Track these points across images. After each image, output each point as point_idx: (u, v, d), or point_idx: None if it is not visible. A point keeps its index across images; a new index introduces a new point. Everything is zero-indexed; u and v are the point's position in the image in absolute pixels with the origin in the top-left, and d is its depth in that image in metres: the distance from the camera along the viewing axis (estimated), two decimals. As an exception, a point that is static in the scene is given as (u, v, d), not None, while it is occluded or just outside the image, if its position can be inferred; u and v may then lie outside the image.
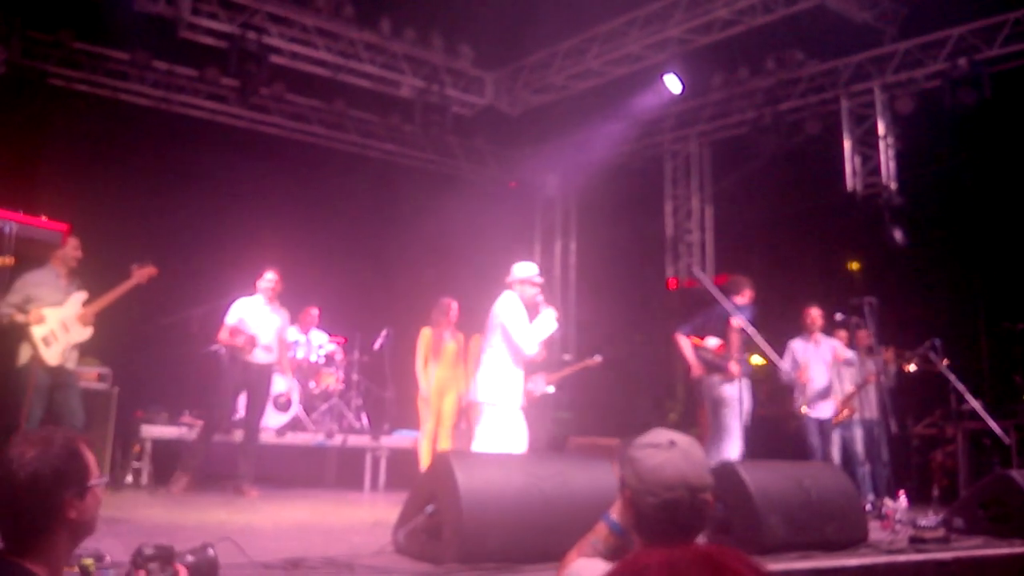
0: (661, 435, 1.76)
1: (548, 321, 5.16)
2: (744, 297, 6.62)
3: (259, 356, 6.48)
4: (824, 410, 6.96)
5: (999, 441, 6.79)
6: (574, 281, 11.42)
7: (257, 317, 6.55)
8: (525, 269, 5.31)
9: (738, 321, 6.05)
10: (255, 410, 6.62)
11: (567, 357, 10.24)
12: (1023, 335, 7.19)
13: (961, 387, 6.46)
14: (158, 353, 7.10)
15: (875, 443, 6.94)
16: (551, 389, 8.40)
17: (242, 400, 6.82)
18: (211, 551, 2.30)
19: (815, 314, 7.04)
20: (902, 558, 4.10)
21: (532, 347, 5.11)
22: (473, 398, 5.22)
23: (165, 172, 8.68)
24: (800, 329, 7.13)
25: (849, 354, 7.10)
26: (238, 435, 6.62)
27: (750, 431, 6.80)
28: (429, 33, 9.30)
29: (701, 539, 1.80)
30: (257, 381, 6.55)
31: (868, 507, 5.73)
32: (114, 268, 6.16)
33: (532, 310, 5.19)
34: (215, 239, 7.34)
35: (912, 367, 7.46)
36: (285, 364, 6.97)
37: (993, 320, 7.97)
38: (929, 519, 5.02)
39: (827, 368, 7.01)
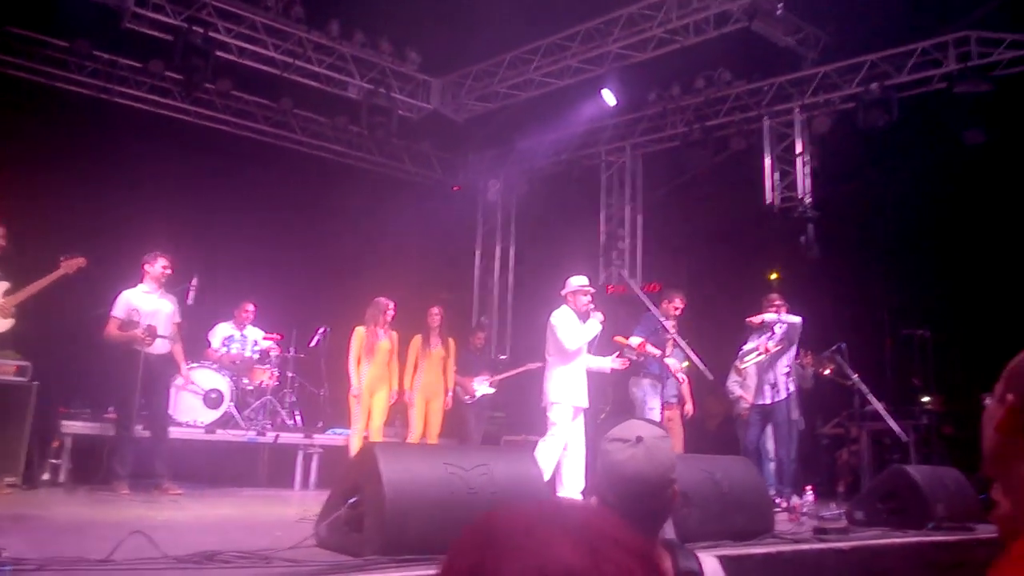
0: (632, 429, 1.79)
1: (593, 324, 5.91)
2: (671, 304, 6.91)
3: (157, 346, 6.23)
4: (767, 395, 6.97)
5: (899, 440, 7.25)
6: (512, 284, 11.65)
7: (149, 306, 6.29)
8: (577, 281, 6.12)
9: (660, 325, 6.33)
10: (159, 403, 6.38)
11: (503, 357, 10.45)
12: (921, 341, 7.68)
13: (864, 389, 6.86)
14: (84, 347, 6.90)
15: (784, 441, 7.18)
16: (492, 390, 8.60)
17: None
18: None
19: (775, 303, 6.98)
20: (805, 547, 4.32)
21: (573, 345, 5.85)
22: (544, 402, 5.97)
23: (101, 164, 8.51)
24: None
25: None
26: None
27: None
28: (377, 37, 9.38)
29: (669, 527, 1.90)
30: (158, 372, 6.29)
31: (778, 500, 6.02)
32: (42, 258, 6.05)
33: (585, 316, 5.97)
34: (149, 233, 7.21)
35: (828, 371, 7.88)
36: (179, 354, 6.72)
37: (895, 327, 8.49)
38: (832, 511, 5.34)
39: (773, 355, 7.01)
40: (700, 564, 1.76)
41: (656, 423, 6.64)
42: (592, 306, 6.00)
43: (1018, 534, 0.94)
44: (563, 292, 6.16)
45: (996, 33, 7.90)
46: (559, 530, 0.64)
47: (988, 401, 1.08)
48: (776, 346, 6.87)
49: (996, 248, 8.49)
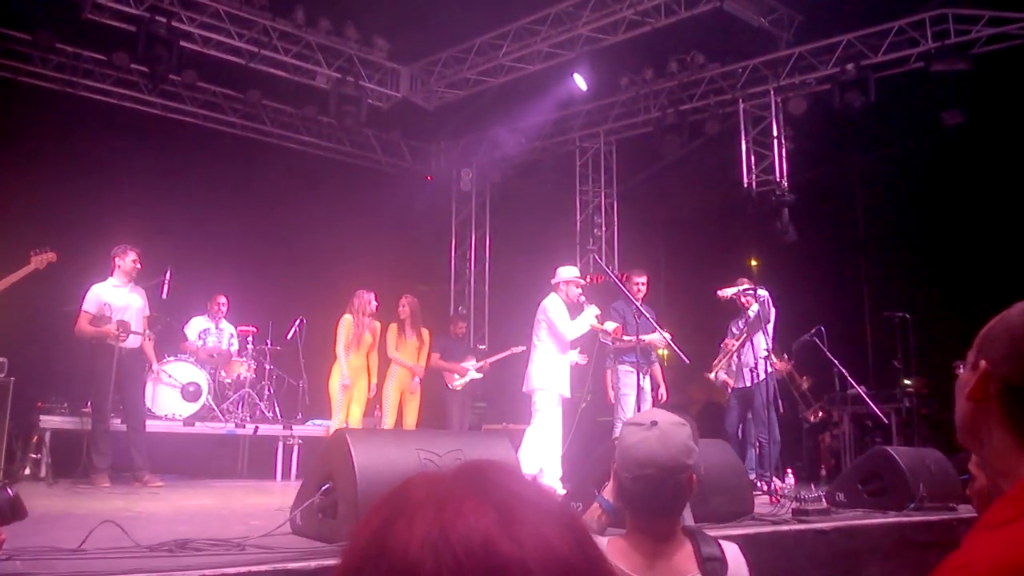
0: (649, 415, 1.85)
1: (588, 316, 6.00)
2: (633, 284, 6.85)
3: (130, 340, 6.20)
4: (746, 379, 6.99)
5: (881, 422, 7.27)
6: (488, 273, 11.60)
7: (120, 300, 6.27)
8: (568, 272, 6.22)
9: (636, 309, 6.30)
10: (134, 397, 6.38)
11: (482, 346, 10.41)
12: (902, 323, 7.71)
13: (845, 372, 6.88)
14: (58, 342, 6.85)
15: (763, 424, 7.18)
16: (480, 375, 8.54)
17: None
18: (9, 491, 2.19)
19: (741, 288, 6.89)
20: (785, 528, 4.28)
21: (572, 334, 6.01)
22: (527, 387, 6.05)
23: (69, 158, 8.42)
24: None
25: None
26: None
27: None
28: (343, 24, 9.26)
29: (687, 513, 1.93)
30: (131, 367, 6.28)
31: (759, 484, 6.02)
32: (10, 254, 5.98)
33: (575, 308, 6.06)
34: (118, 226, 7.14)
35: (804, 386, 7.87)
36: (151, 350, 6.72)
37: (875, 310, 8.51)
38: (813, 493, 5.34)
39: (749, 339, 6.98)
40: (722, 550, 1.79)
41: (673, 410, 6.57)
42: (584, 298, 6.08)
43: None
44: (553, 281, 6.19)
45: (974, 10, 7.87)
46: (470, 493, 0.61)
47: (960, 370, 1.06)
48: (741, 334, 6.88)
49: (975, 229, 8.53)
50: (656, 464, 1.74)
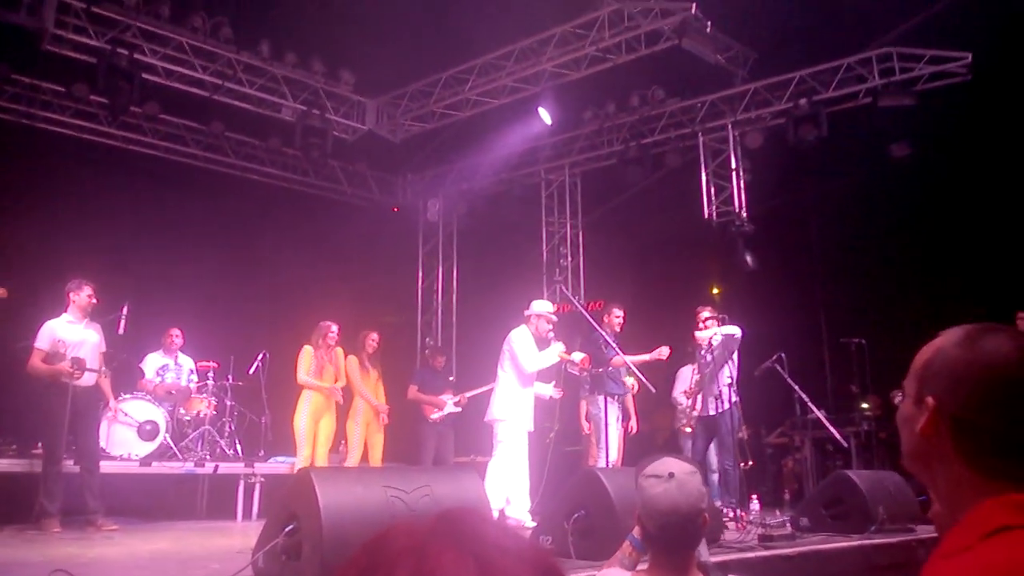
0: (664, 466, 2.08)
1: (553, 352, 6.03)
2: (611, 317, 6.95)
3: (85, 378, 6.00)
4: (711, 407, 6.92)
5: (841, 446, 7.39)
6: (456, 304, 11.59)
7: (75, 336, 6.07)
8: (542, 306, 6.25)
9: (604, 341, 6.35)
10: (88, 437, 6.14)
11: (451, 378, 10.35)
12: (858, 348, 7.91)
13: (805, 398, 6.98)
14: (8, 380, 6.61)
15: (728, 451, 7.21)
16: (458, 409, 8.48)
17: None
18: None
19: (702, 316, 6.89)
20: (752, 554, 4.36)
21: (531, 367, 6.01)
22: (489, 417, 6.02)
23: (24, 191, 8.24)
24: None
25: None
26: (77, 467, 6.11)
27: (626, 443, 7.08)
28: (309, 58, 9.28)
29: (702, 547, 2.19)
30: (85, 405, 6.06)
31: (724, 511, 6.06)
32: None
33: (544, 342, 6.06)
34: (75, 261, 6.96)
35: (743, 434, 7.92)
36: (107, 388, 6.55)
37: (833, 336, 8.72)
38: (777, 519, 5.38)
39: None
40: None
41: (684, 457, 6.52)
42: (552, 335, 6.11)
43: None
44: (525, 312, 6.20)
45: (916, 49, 8.27)
46: (448, 544, 0.62)
47: (899, 399, 1.08)
48: (708, 365, 6.94)
49: (924, 254, 8.86)
50: (678, 513, 1.98)
